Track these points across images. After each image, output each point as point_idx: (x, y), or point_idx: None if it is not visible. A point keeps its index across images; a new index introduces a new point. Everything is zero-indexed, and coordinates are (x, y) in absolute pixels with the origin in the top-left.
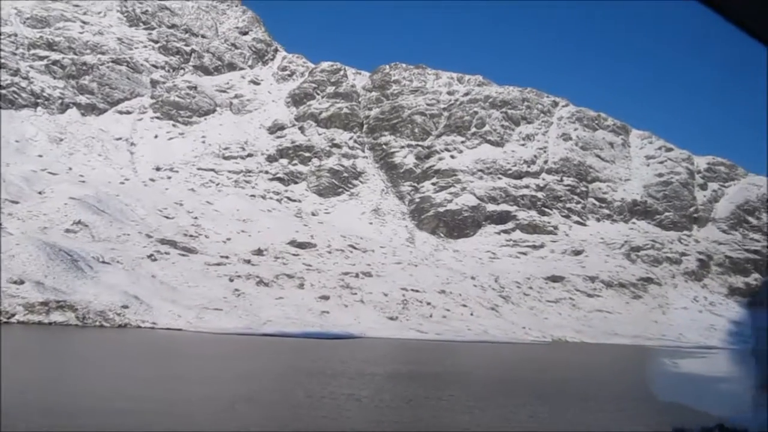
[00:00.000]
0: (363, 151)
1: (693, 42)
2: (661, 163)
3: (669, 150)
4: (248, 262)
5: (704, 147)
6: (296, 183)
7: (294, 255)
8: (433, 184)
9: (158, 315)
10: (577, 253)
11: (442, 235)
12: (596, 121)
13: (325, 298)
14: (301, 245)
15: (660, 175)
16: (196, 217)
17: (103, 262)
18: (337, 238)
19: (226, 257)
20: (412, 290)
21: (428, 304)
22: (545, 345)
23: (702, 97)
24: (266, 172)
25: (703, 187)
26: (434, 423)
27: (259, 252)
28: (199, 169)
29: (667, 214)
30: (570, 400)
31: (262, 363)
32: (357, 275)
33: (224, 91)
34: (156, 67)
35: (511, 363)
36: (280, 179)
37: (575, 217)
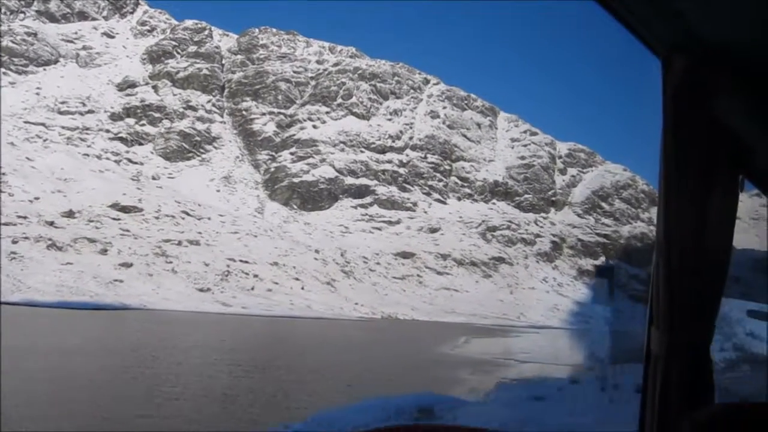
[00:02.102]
0: (221, 116)
1: (567, 31)
2: (525, 146)
3: (534, 134)
4: (51, 224)
5: (567, 134)
6: (141, 144)
7: (113, 219)
8: (292, 153)
9: None
10: (434, 230)
11: (295, 206)
12: (466, 102)
13: (127, 265)
14: (125, 209)
15: (523, 157)
16: (4, 173)
17: None
18: (170, 203)
19: (24, 217)
20: (241, 261)
21: (255, 276)
22: (364, 322)
23: (570, 86)
24: (107, 131)
25: (563, 171)
26: None
27: (70, 214)
28: (26, 122)
29: (526, 196)
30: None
31: None
32: (180, 243)
33: (71, 42)
34: None
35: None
36: (122, 139)
37: (436, 195)
